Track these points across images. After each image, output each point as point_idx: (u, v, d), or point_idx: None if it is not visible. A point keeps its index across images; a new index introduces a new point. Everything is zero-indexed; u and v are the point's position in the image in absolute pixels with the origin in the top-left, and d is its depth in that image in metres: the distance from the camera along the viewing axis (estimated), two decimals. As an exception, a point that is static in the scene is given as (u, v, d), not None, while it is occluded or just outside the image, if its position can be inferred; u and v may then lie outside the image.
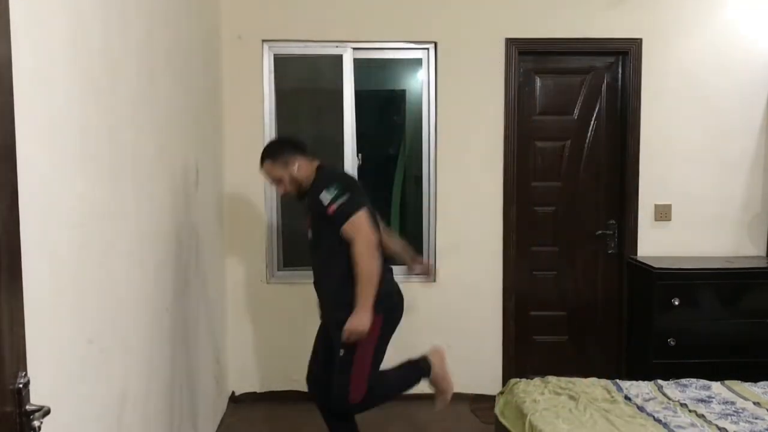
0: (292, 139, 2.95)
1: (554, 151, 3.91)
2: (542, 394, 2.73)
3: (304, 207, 2.79)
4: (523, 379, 2.92)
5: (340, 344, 2.60)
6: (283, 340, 3.85)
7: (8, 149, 1.11)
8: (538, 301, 3.98)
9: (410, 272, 3.11)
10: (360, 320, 2.50)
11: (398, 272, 3.94)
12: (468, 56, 3.76)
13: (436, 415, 3.61)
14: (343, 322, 2.54)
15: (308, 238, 2.79)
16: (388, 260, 2.77)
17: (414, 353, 3.86)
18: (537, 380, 2.88)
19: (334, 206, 2.54)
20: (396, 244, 3.00)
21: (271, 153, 2.78)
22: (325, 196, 2.56)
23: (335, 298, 2.68)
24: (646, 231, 3.87)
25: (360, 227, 2.54)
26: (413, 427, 3.49)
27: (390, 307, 2.68)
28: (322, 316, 2.87)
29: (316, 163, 2.76)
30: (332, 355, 2.67)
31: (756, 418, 2.45)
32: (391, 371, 2.79)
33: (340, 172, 3.04)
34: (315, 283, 2.82)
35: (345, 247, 2.55)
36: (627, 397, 2.69)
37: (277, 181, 2.77)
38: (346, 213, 2.54)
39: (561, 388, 2.77)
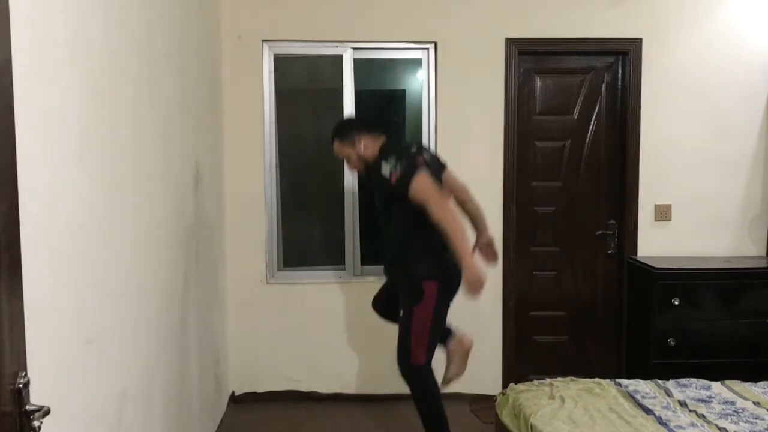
0: (360, 118, 3.10)
1: (554, 151, 3.91)
2: (542, 394, 2.72)
3: (365, 179, 3.06)
4: (523, 383, 2.91)
5: (402, 307, 2.81)
6: (283, 340, 3.85)
7: (8, 149, 1.11)
8: (538, 301, 3.98)
9: (476, 244, 3.17)
10: (470, 272, 2.56)
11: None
12: (468, 56, 3.76)
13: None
14: (415, 282, 2.74)
15: (379, 212, 2.96)
16: (443, 235, 2.80)
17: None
18: (536, 381, 2.88)
19: (395, 176, 2.69)
20: (474, 208, 3.12)
21: (339, 133, 2.98)
22: (385, 170, 2.73)
23: (407, 257, 2.82)
24: (646, 231, 3.88)
25: (426, 188, 2.65)
26: (413, 427, 3.48)
27: (447, 275, 2.78)
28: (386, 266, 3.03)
29: (381, 141, 2.92)
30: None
31: (756, 418, 2.45)
32: (440, 403, 2.94)
33: (396, 144, 3.10)
34: (387, 256, 2.98)
35: (413, 210, 2.67)
36: (627, 397, 2.69)
37: (345, 158, 2.98)
38: (407, 179, 2.67)
39: (561, 388, 2.77)
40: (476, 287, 2.58)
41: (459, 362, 2.99)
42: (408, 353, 2.81)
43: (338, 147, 2.97)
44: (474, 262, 2.60)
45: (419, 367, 2.83)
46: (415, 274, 2.78)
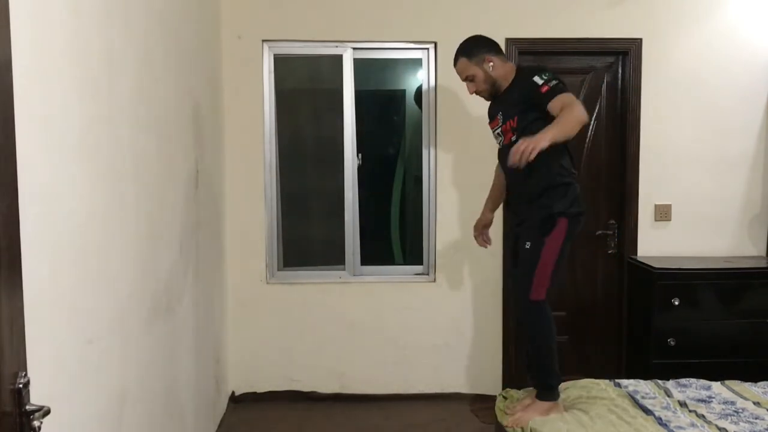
0: (485, 37, 2.93)
1: (554, 151, 3.91)
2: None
3: (490, 113, 2.87)
4: (523, 390, 2.89)
5: (528, 240, 2.67)
6: (283, 340, 3.86)
7: (8, 149, 1.11)
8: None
9: (482, 221, 3.22)
10: (535, 140, 2.34)
11: (403, 271, 3.97)
12: (468, 56, 3.75)
13: (436, 415, 3.62)
14: (549, 216, 2.61)
15: (503, 145, 2.80)
16: (574, 165, 2.76)
17: (414, 352, 3.88)
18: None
19: (548, 86, 2.56)
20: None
21: (467, 50, 2.82)
22: (538, 78, 2.59)
23: (540, 191, 2.65)
24: (646, 231, 3.88)
25: (573, 100, 2.52)
26: (413, 427, 3.49)
27: (577, 213, 2.67)
28: (514, 213, 2.89)
29: (512, 65, 2.83)
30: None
31: (756, 418, 2.45)
32: (555, 344, 2.74)
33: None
34: (510, 189, 2.89)
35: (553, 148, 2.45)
36: (627, 397, 2.69)
37: (470, 78, 2.82)
38: (558, 90, 2.55)
39: (560, 388, 2.76)
40: (525, 153, 2.33)
41: (528, 413, 2.65)
42: (529, 288, 2.63)
43: (464, 65, 2.82)
44: (546, 137, 2.35)
45: (539, 303, 2.65)
46: (551, 206, 2.62)
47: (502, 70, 2.79)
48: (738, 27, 3.79)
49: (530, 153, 2.32)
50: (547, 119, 2.52)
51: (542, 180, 2.64)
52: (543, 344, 2.68)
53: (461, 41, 2.91)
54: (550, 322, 2.68)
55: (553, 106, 2.53)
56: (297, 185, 4.11)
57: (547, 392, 2.63)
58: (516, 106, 2.70)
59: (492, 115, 2.88)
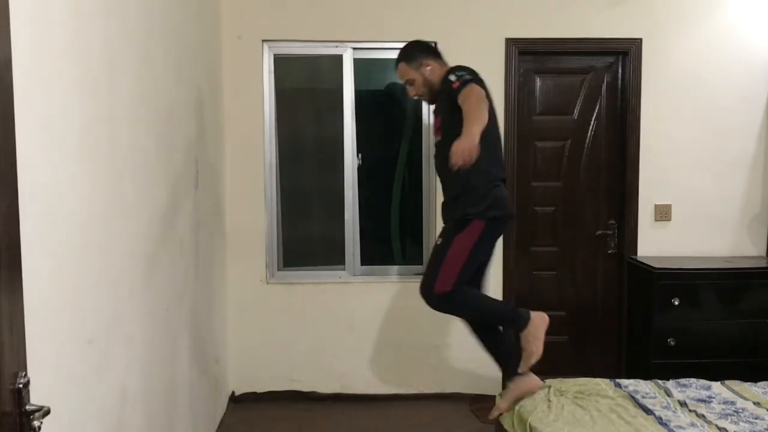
0: (424, 42, 3.00)
1: (554, 151, 3.91)
2: (541, 396, 2.72)
3: (433, 112, 2.92)
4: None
5: (441, 236, 2.72)
6: (283, 340, 3.85)
7: (8, 149, 1.11)
8: (538, 301, 3.96)
9: None
10: (465, 141, 2.40)
11: (403, 271, 3.97)
12: (468, 56, 3.72)
13: (436, 415, 3.62)
14: (463, 216, 2.65)
15: (435, 143, 2.86)
16: (503, 168, 2.80)
17: (414, 352, 3.88)
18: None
19: (458, 82, 2.63)
20: None
21: (406, 55, 2.90)
22: (453, 77, 2.67)
23: (459, 193, 2.70)
24: (646, 231, 3.88)
25: (476, 92, 2.58)
26: (413, 427, 3.49)
27: (496, 216, 2.69)
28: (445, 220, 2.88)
29: (448, 68, 2.86)
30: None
31: (756, 418, 2.45)
32: (487, 296, 2.80)
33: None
34: (443, 189, 2.87)
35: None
36: (627, 397, 2.69)
37: (409, 82, 2.89)
38: (465, 83, 2.62)
39: (560, 390, 2.76)
40: (460, 154, 2.40)
41: (535, 341, 2.69)
42: (433, 282, 2.66)
43: (403, 69, 2.89)
44: (471, 138, 2.41)
45: (444, 293, 2.66)
46: (465, 209, 2.67)
47: (438, 73, 2.83)
48: (738, 27, 3.79)
49: (470, 153, 2.39)
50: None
51: (461, 183, 2.69)
52: (475, 310, 2.73)
53: (403, 47, 2.94)
54: (471, 296, 2.70)
55: (459, 100, 2.59)
56: (297, 185, 4.11)
57: (516, 323, 2.68)
58: (443, 106, 2.78)
59: (434, 114, 2.94)
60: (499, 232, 2.79)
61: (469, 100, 2.56)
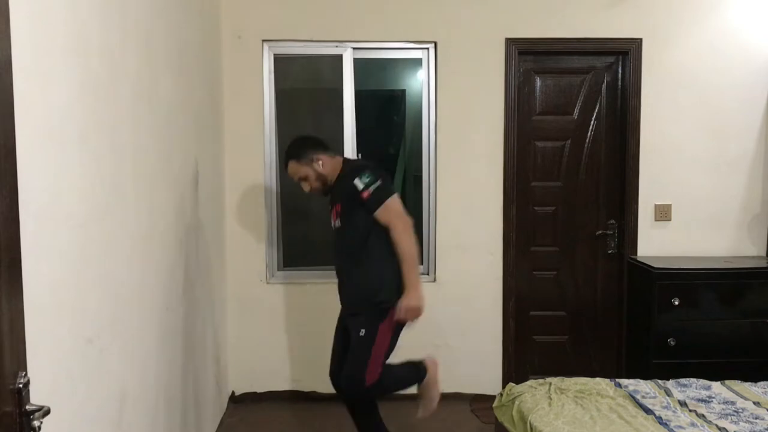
0: (312, 137, 3.02)
1: (554, 151, 3.91)
2: (542, 394, 2.72)
3: (329, 201, 2.93)
4: (521, 384, 2.90)
5: (359, 327, 2.73)
6: (283, 340, 3.86)
7: (8, 149, 1.11)
8: (538, 301, 3.98)
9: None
10: (416, 297, 2.66)
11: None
12: (468, 56, 3.76)
13: (436, 415, 3.61)
14: (379, 304, 2.69)
15: (335, 228, 2.88)
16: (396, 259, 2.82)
17: (414, 352, 3.87)
18: (536, 381, 2.88)
19: (368, 192, 2.67)
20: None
21: (295, 153, 2.88)
22: (359, 183, 2.69)
23: (371, 281, 2.74)
24: (646, 231, 3.87)
25: (397, 211, 2.69)
26: (413, 427, 3.48)
27: (398, 299, 2.74)
28: (344, 303, 2.91)
29: (339, 158, 2.90)
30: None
31: (756, 418, 2.45)
32: (397, 366, 2.85)
33: (368, 162, 3.06)
34: (339, 272, 2.90)
35: (378, 232, 2.69)
36: (627, 397, 2.69)
37: (303, 179, 2.88)
38: (380, 198, 2.67)
39: (561, 388, 2.77)
40: (412, 312, 2.68)
41: (433, 388, 2.91)
42: (363, 373, 2.69)
43: (294, 167, 2.86)
44: (419, 292, 2.67)
45: (367, 388, 2.73)
46: (381, 296, 2.72)
47: (330, 166, 2.85)
48: (738, 27, 3.78)
49: (420, 312, 2.68)
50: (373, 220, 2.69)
51: (372, 271, 2.73)
52: (398, 387, 2.84)
53: (289, 145, 2.93)
54: (388, 374, 2.77)
55: (380, 216, 2.68)
56: (297, 185, 4.11)
57: (422, 378, 2.82)
58: (343, 197, 2.80)
59: (331, 203, 2.93)
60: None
61: (397, 229, 2.65)
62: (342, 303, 2.94)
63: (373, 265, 2.73)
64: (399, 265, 2.69)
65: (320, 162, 2.83)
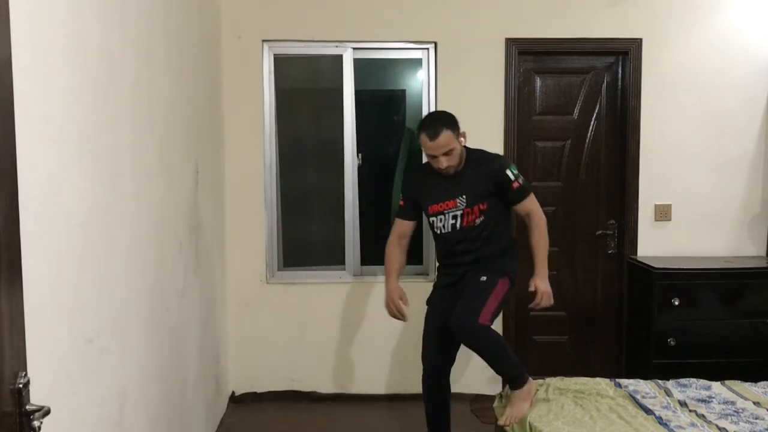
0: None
1: (554, 151, 3.91)
2: (541, 394, 2.72)
3: (440, 190, 2.81)
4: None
5: (481, 275, 2.78)
6: (283, 340, 3.85)
7: (8, 149, 1.11)
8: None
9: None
10: (548, 285, 2.85)
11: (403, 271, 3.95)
12: (468, 56, 3.76)
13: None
14: (506, 271, 2.82)
15: (450, 228, 2.83)
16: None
17: (414, 352, 3.87)
18: (536, 381, 2.88)
19: (518, 183, 2.79)
20: None
21: (451, 123, 2.72)
22: (510, 174, 2.78)
23: (501, 254, 2.85)
24: (646, 231, 3.87)
25: (538, 207, 2.86)
26: (414, 427, 3.48)
27: (516, 274, 2.91)
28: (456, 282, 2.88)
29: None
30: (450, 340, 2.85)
31: (756, 418, 2.45)
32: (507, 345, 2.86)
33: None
34: (454, 257, 2.88)
35: (506, 219, 2.90)
36: (627, 397, 2.69)
37: (448, 153, 2.70)
38: (528, 189, 2.85)
39: (560, 388, 2.77)
40: (546, 297, 2.83)
41: (519, 403, 2.67)
42: (478, 312, 2.64)
43: (448, 138, 2.66)
44: (546, 277, 2.86)
45: (486, 327, 2.66)
46: (505, 266, 2.84)
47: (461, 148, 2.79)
48: (738, 27, 3.78)
49: (550, 296, 2.85)
50: (504, 209, 2.86)
51: (499, 246, 2.85)
52: (498, 353, 2.74)
53: (442, 115, 2.81)
54: (497, 335, 2.79)
55: (523, 207, 2.84)
56: (297, 185, 4.12)
57: (519, 379, 2.69)
58: (485, 190, 2.77)
59: (441, 197, 2.80)
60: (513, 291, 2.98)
61: (543, 228, 2.83)
62: (449, 275, 2.92)
63: (504, 245, 2.86)
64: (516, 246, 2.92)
65: (462, 140, 2.77)
